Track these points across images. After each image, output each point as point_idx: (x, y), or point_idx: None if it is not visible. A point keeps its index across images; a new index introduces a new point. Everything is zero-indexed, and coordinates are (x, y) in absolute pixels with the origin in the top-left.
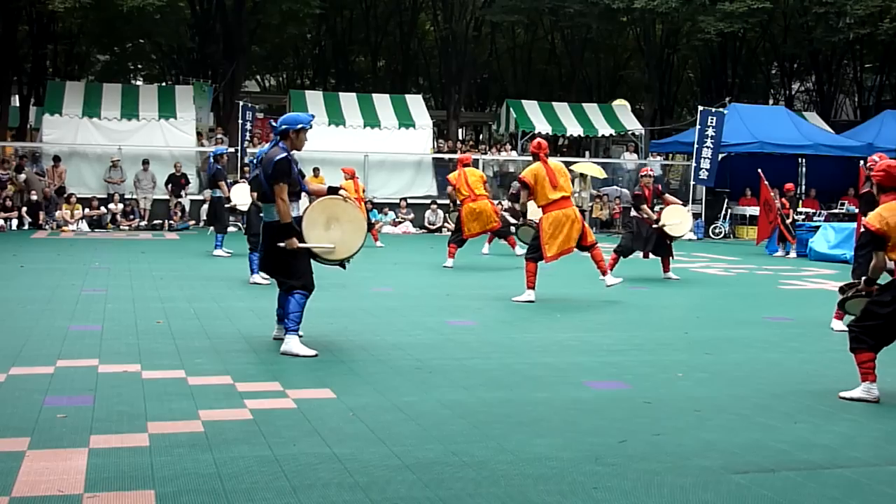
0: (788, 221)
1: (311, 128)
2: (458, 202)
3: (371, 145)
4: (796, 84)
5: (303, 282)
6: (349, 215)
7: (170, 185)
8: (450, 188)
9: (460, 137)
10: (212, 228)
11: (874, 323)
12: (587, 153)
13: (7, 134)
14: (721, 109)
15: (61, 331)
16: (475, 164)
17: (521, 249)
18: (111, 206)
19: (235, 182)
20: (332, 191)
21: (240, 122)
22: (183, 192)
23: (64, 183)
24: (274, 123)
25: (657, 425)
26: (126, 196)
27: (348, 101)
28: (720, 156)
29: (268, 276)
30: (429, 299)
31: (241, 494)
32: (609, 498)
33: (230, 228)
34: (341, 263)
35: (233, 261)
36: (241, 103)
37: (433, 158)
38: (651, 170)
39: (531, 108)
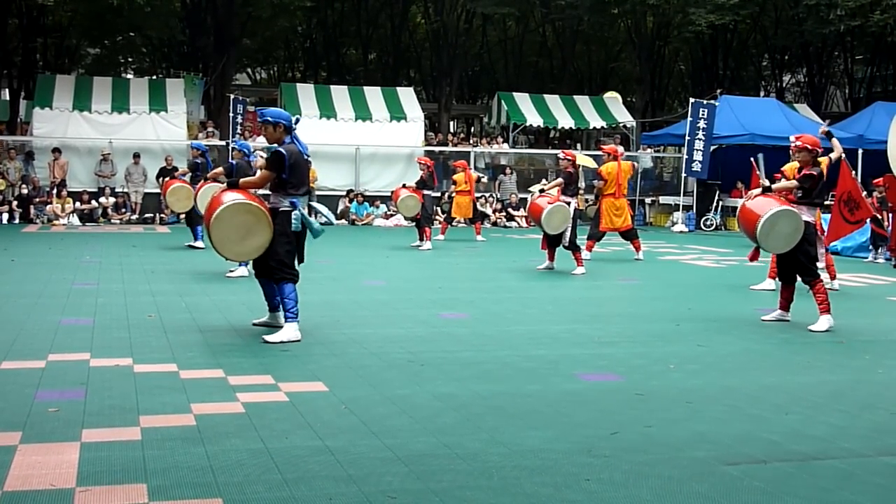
0: None
1: (263, 121)
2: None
3: (362, 138)
4: (787, 76)
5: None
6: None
7: (161, 179)
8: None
9: (451, 130)
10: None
11: None
12: (578, 145)
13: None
14: (712, 101)
15: (52, 325)
16: (466, 156)
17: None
18: (102, 199)
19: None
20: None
21: (231, 115)
22: None
23: (66, 176)
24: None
25: (649, 417)
26: (117, 190)
27: (339, 93)
28: (711, 148)
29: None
30: (421, 292)
31: (233, 487)
32: (602, 489)
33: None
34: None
35: None
36: (232, 96)
37: (425, 151)
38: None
39: (522, 100)
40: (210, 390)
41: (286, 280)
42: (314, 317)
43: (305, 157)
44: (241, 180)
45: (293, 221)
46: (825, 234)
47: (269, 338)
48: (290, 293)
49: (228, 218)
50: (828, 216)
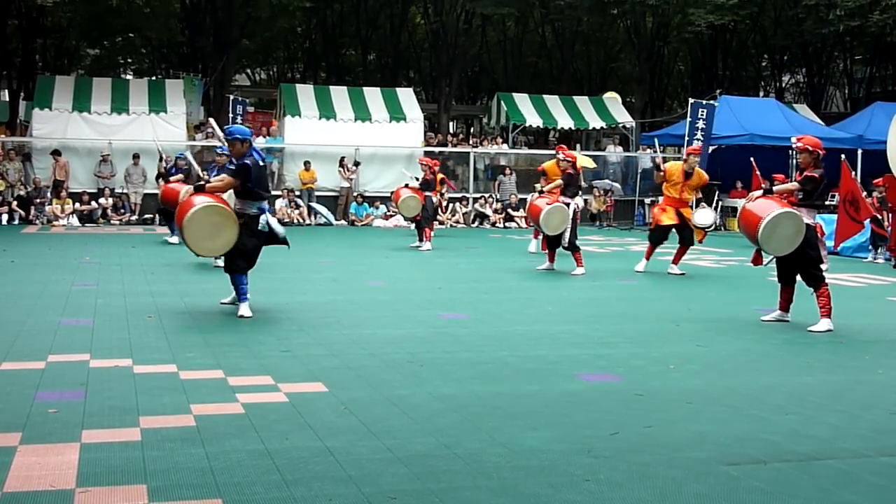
0: None
1: (233, 139)
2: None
3: (362, 139)
4: (787, 76)
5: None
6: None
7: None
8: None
9: (451, 130)
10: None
11: None
12: (578, 146)
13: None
14: (712, 102)
15: (52, 325)
16: (466, 156)
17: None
18: (101, 200)
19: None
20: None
21: (230, 115)
22: None
23: (67, 177)
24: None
25: (649, 417)
26: (116, 190)
27: (339, 94)
28: (710, 148)
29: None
30: (421, 293)
31: (233, 488)
32: (601, 490)
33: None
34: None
35: None
36: (231, 97)
37: (424, 152)
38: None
39: (522, 100)
40: (210, 391)
41: (240, 272)
42: (314, 317)
43: (262, 164)
44: (208, 185)
45: (261, 223)
46: (825, 235)
47: (241, 312)
48: (243, 281)
49: (200, 219)
50: (827, 216)
